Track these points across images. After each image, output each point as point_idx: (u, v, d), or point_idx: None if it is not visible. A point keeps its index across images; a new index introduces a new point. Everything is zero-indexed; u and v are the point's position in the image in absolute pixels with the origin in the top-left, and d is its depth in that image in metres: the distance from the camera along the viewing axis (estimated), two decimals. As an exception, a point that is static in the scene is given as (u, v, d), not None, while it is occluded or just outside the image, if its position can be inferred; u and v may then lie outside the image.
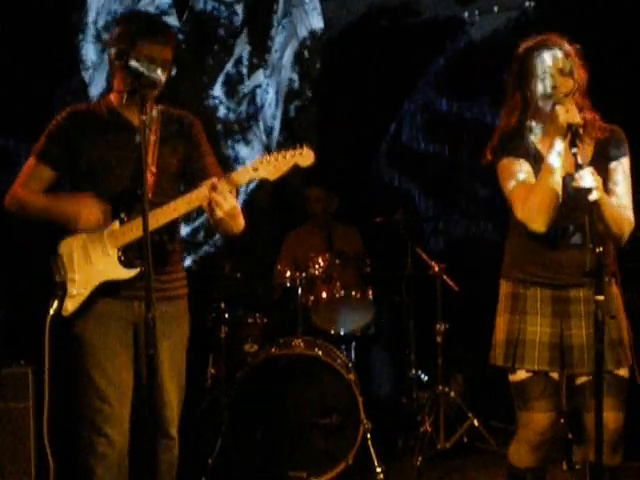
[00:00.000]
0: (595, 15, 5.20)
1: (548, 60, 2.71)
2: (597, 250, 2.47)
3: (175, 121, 2.97)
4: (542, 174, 2.68)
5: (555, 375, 2.78)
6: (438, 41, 6.20)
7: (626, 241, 2.77)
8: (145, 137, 2.64)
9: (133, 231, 2.75)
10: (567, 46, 2.75)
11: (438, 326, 4.70)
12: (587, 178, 2.50)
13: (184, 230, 5.90)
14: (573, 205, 2.69)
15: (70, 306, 2.79)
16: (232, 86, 6.33)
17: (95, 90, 5.95)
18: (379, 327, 4.95)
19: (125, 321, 2.84)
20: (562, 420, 3.96)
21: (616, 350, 2.72)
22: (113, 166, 2.84)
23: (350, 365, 4.41)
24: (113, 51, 2.83)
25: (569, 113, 2.61)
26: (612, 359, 2.69)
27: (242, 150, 6.32)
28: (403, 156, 6.31)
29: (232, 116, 6.32)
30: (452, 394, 4.70)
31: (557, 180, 2.65)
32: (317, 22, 6.41)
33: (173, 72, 3.07)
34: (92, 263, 2.79)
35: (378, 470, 4.09)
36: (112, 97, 2.94)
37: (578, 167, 2.53)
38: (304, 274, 4.58)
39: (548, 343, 2.75)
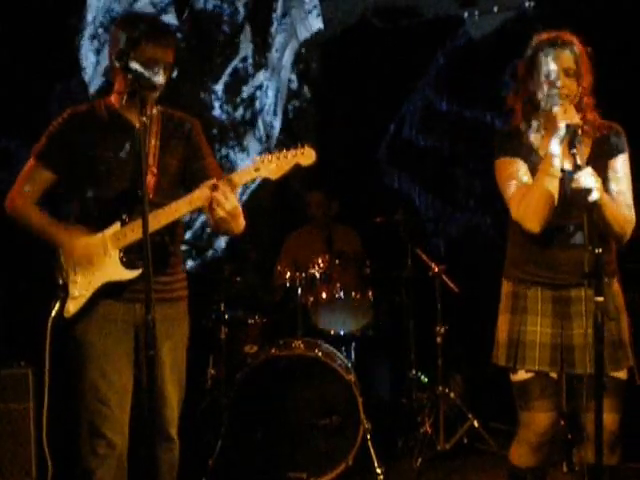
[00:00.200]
0: (595, 15, 5.20)
1: (555, 58, 2.70)
2: (596, 251, 2.48)
3: (175, 122, 2.97)
4: (538, 174, 2.68)
5: (555, 375, 2.78)
6: (438, 41, 6.20)
7: (627, 240, 2.77)
8: (146, 138, 2.64)
9: (134, 232, 2.74)
10: (577, 47, 2.73)
11: (438, 327, 4.70)
12: (587, 178, 2.49)
13: (187, 234, 5.91)
14: (573, 205, 2.69)
15: (72, 308, 2.79)
16: (235, 86, 6.31)
17: (94, 90, 5.94)
18: (379, 328, 4.95)
19: (126, 323, 2.84)
20: (562, 422, 3.96)
21: (615, 352, 2.72)
22: (114, 167, 2.84)
23: (350, 366, 4.41)
24: (113, 52, 2.82)
25: (567, 114, 2.60)
26: (610, 361, 2.68)
27: (237, 155, 6.30)
28: (403, 155, 6.31)
29: (228, 120, 6.30)
30: (452, 395, 4.70)
31: (553, 181, 2.65)
32: (316, 22, 6.41)
33: (174, 74, 3.07)
34: (94, 265, 2.79)
35: (378, 471, 4.09)
36: (112, 98, 2.93)
37: (577, 168, 2.53)
38: (304, 275, 4.58)
39: (549, 343, 2.75)
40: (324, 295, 4.61)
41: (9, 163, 5.18)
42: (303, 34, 6.41)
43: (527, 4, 5.98)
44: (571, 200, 2.69)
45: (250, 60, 6.34)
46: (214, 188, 2.68)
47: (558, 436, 3.82)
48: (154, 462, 2.56)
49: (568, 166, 2.66)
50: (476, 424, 4.57)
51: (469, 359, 5.04)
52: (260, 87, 6.37)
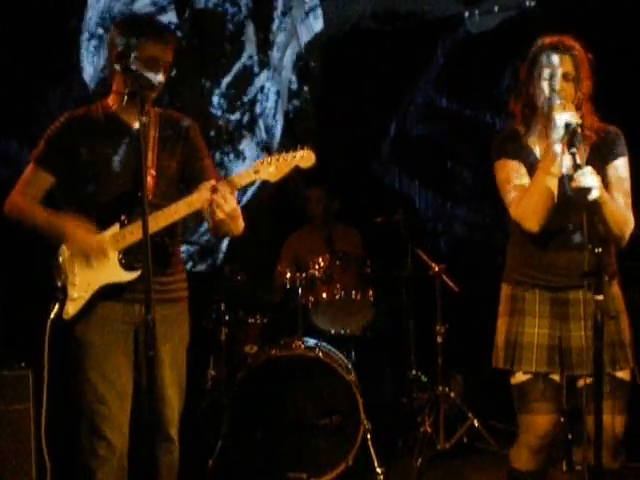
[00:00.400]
0: (595, 16, 5.20)
1: (555, 62, 2.70)
2: (596, 250, 2.47)
3: (173, 123, 2.97)
4: (537, 174, 2.68)
5: (556, 377, 2.77)
6: (438, 41, 6.20)
7: (626, 242, 2.77)
8: (146, 138, 2.64)
9: (133, 234, 2.74)
10: (578, 52, 2.73)
11: (438, 327, 4.70)
12: (587, 177, 2.49)
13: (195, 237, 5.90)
14: (572, 206, 2.69)
15: (71, 309, 2.78)
16: (239, 86, 6.29)
17: (94, 90, 5.93)
18: (379, 328, 4.95)
19: (126, 324, 2.84)
20: (562, 420, 3.96)
21: (615, 352, 2.71)
22: (112, 169, 2.84)
23: (350, 366, 4.41)
24: (113, 53, 2.82)
25: (567, 113, 2.60)
26: (610, 361, 2.67)
27: (232, 163, 6.29)
28: (404, 153, 6.31)
29: (224, 122, 6.29)
30: (452, 395, 4.71)
31: (553, 180, 2.65)
32: (317, 23, 6.41)
33: (173, 73, 3.07)
34: (93, 266, 2.79)
35: (378, 471, 4.09)
36: (110, 100, 2.93)
37: (577, 167, 2.52)
38: (304, 275, 4.58)
39: (546, 345, 2.75)
40: (324, 295, 4.61)
41: (9, 163, 5.19)
42: (304, 34, 6.40)
43: (527, 4, 5.98)
44: (571, 200, 2.69)
45: (255, 57, 6.33)
46: (213, 190, 2.68)
47: (558, 435, 3.82)
48: (154, 463, 2.56)
49: (567, 165, 2.65)
50: (476, 424, 4.57)
51: (469, 359, 5.04)
52: (262, 89, 6.36)
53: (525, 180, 2.75)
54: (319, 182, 5.41)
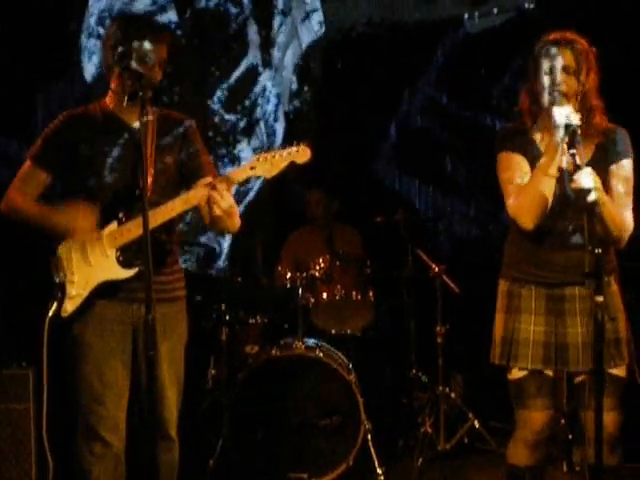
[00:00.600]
0: (594, 18, 5.20)
1: (555, 56, 2.72)
2: (596, 251, 2.48)
3: (171, 121, 2.97)
4: (535, 173, 2.69)
5: (550, 373, 2.78)
6: (438, 43, 6.21)
7: (625, 243, 2.77)
8: (145, 138, 2.64)
9: (131, 231, 2.75)
10: (580, 46, 2.73)
11: (438, 327, 4.70)
12: (586, 178, 2.50)
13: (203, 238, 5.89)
14: (571, 206, 2.70)
15: (69, 307, 2.78)
16: (243, 86, 6.28)
17: (93, 89, 5.93)
18: (379, 328, 4.95)
19: (124, 324, 2.84)
20: (562, 421, 3.96)
21: (611, 349, 2.71)
22: (110, 167, 2.84)
23: (350, 366, 4.41)
24: (111, 54, 2.83)
25: (566, 109, 2.61)
26: (606, 357, 2.66)
27: (227, 165, 6.28)
28: (404, 152, 6.31)
29: (222, 122, 6.28)
30: (452, 395, 4.71)
31: (550, 181, 2.65)
32: (318, 25, 6.41)
33: (172, 73, 3.07)
34: (91, 264, 2.79)
35: (379, 471, 4.09)
36: (107, 99, 2.93)
37: (577, 168, 2.53)
38: (304, 275, 4.58)
39: (542, 341, 2.76)
40: (325, 295, 4.61)
41: (9, 163, 5.19)
42: (305, 36, 6.40)
43: (527, 6, 5.98)
44: (570, 200, 2.69)
45: (259, 57, 6.32)
46: (210, 187, 2.68)
47: (558, 436, 3.82)
48: (154, 462, 2.56)
49: (567, 166, 2.66)
50: (476, 424, 4.57)
51: (469, 359, 5.04)
52: (264, 92, 6.35)
53: (524, 175, 2.75)
54: (319, 184, 5.41)
